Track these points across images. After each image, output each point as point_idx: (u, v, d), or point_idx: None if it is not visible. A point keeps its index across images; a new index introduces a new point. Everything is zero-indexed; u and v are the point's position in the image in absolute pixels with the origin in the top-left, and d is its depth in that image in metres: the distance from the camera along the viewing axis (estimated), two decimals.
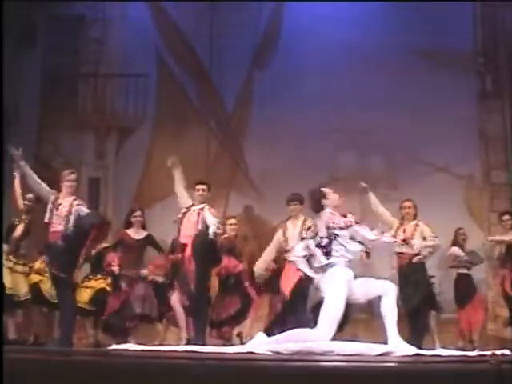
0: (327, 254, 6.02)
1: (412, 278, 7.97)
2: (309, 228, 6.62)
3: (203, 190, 7.99)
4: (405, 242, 7.96)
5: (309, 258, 6.26)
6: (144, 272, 8.41)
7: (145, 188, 10.77)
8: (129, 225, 8.56)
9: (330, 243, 6.03)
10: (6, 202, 8.69)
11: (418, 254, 8.00)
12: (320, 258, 6.05)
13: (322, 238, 6.06)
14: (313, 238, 6.16)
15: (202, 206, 7.89)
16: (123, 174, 10.98)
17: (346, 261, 6.02)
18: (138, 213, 8.59)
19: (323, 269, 6.07)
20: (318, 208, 6.23)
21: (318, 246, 6.08)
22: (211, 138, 11.13)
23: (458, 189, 10.29)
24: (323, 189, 6.25)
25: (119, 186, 10.91)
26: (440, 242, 8.14)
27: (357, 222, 6.08)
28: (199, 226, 7.75)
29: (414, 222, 8.16)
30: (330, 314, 5.88)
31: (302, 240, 6.50)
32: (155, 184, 10.30)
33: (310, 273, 6.31)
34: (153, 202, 10.26)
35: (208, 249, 7.53)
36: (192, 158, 10.38)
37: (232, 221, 8.75)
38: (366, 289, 6.07)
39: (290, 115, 10.43)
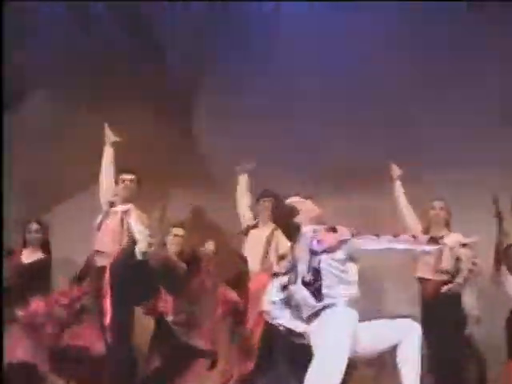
0: (317, 294, 4.33)
1: (442, 314, 5.82)
2: (281, 258, 5.30)
3: (130, 181, 6.27)
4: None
5: (288, 301, 4.53)
6: (20, 313, 5.92)
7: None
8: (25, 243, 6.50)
9: (318, 276, 4.33)
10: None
11: (449, 281, 5.74)
12: (308, 301, 4.35)
13: (304, 269, 4.40)
14: (290, 271, 4.50)
15: (126, 206, 6.09)
16: None
17: (345, 298, 4.33)
18: (33, 226, 6.46)
19: (315, 314, 4.34)
20: (290, 232, 4.61)
21: (303, 282, 4.39)
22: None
23: None
24: (291, 199, 4.66)
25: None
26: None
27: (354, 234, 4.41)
28: (123, 239, 5.91)
29: (446, 232, 5.76)
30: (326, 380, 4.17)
31: (275, 277, 4.71)
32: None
33: (294, 326, 4.51)
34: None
35: (133, 275, 5.41)
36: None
37: (178, 230, 6.50)
38: (377, 336, 4.43)
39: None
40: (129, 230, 5.86)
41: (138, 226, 5.66)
